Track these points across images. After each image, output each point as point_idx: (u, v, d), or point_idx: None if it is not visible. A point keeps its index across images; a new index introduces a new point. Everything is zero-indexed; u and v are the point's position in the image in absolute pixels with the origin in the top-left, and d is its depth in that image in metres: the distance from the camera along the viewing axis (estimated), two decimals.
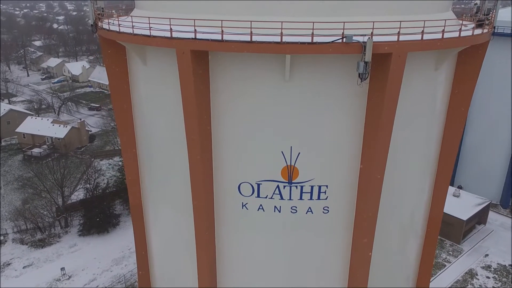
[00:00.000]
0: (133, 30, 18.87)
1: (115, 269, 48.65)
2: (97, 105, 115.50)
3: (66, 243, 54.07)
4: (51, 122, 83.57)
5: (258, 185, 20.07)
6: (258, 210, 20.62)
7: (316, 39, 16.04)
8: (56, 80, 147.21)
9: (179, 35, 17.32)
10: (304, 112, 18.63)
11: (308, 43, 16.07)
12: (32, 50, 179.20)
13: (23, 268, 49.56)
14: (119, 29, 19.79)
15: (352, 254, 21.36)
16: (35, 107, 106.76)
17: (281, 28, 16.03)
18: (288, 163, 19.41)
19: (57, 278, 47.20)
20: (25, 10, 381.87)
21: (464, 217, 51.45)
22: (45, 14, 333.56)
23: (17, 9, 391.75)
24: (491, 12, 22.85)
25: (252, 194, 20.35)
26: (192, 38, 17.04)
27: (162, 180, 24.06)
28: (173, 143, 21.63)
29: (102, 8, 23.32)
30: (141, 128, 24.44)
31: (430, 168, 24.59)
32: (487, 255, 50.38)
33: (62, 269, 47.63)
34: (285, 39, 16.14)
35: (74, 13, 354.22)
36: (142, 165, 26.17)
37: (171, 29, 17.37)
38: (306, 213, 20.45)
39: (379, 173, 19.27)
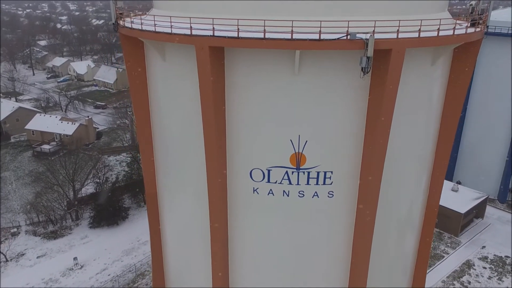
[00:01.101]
0: (155, 28, 20.65)
1: (126, 259, 50.50)
2: (103, 104, 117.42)
3: (77, 235, 56.00)
4: (60, 120, 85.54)
5: (269, 171, 21.59)
6: (268, 194, 22.15)
7: (323, 36, 17.74)
8: (61, 79, 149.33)
9: (197, 32, 19.05)
10: (311, 103, 20.20)
11: (316, 40, 17.71)
12: (37, 49, 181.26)
13: (37, 258, 51.48)
14: (142, 27, 21.56)
15: (355, 235, 23.00)
16: (42, 105, 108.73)
17: (292, 26, 17.73)
18: (296, 151, 20.92)
19: (70, 267, 49.08)
20: (27, 10, 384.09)
21: (462, 210, 53.15)
22: (48, 14, 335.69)
23: (20, 9, 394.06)
24: (484, 12, 24.32)
25: (262, 180, 21.91)
26: (210, 36, 18.75)
27: (178, 169, 25.60)
28: (188, 133, 23.27)
29: (122, 8, 25.08)
30: (157, 119, 26.04)
31: (427, 160, 25.96)
32: (484, 247, 52.14)
33: (75, 258, 49.52)
34: (295, 36, 17.81)
35: (77, 13, 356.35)
36: (157, 155, 27.77)
37: (191, 27, 19.04)
38: (313, 197, 21.95)
39: (380, 160, 20.90)
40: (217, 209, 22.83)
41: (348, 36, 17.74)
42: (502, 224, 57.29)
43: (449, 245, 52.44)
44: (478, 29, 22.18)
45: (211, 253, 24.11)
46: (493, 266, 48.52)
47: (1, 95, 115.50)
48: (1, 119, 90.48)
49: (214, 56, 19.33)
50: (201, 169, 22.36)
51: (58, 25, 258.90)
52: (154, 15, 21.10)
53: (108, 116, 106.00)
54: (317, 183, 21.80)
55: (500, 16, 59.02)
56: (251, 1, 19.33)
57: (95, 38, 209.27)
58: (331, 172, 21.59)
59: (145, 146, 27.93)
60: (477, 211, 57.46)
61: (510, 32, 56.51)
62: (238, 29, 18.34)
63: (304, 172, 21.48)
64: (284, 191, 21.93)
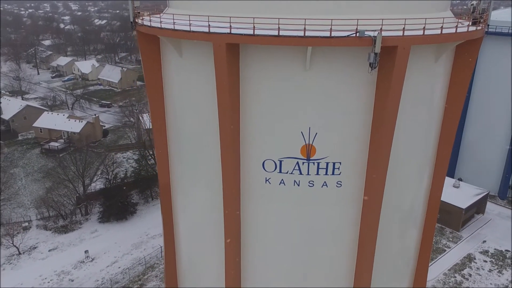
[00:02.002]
0: (174, 26, 21.84)
1: (135, 252, 51.84)
2: (108, 102, 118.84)
3: (87, 229, 57.39)
4: (67, 117, 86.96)
5: (280, 161, 22.66)
6: (279, 184, 23.20)
7: (333, 34, 18.92)
8: (66, 78, 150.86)
9: (214, 30, 20.25)
10: (321, 97, 21.32)
11: (327, 37, 18.94)
12: (42, 49, 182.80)
13: (49, 251, 52.86)
14: (161, 25, 22.77)
15: (361, 224, 24.13)
16: (49, 103, 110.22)
17: (304, 25, 18.98)
18: (307, 142, 22.00)
19: (81, 260, 50.41)
20: (30, 10, 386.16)
21: (463, 205, 54.33)
22: (50, 14, 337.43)
23: (22, 9, 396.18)
24: (485, 12, 25.46)
25: (274, 170, 22.99)
26: (227, 33, 19.95)
27: (192, 161, 26.60)
28: (203, 126, 24.45)
29: (137, 7, 26.28)
30: (172, 113, 26.98)
31: (430, 156, 27.01)
32: (484, 241, 53.37)
33: (86, 251, 50.83)
34: (307, 33, 18.99)
35: (79, 13, 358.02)
36: (171, 148, 28.83)
37: (209, 25, 20.30)
38: (322, 186, 23.01)
39: (386, 151, 22.04)
40: (231, 198, 23.85)
41: (357, 34, 18.92)
42: (502, 220, 58.53)
43: (451, 239, 53.68)
44: (479, 27, 23.35)
45: (224, 242, 25.04)
46: (493, 260, 49.77)
47: (8, 93, 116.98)
48: (9, 117, 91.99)
49: (230, 53, 20.45)
50: (215, 160, 23.49)
51: (61, 25, 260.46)
52: (172, 14, 22.25)
53: (113, 115, 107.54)
54: (326, 173, 22.82)
55: (500, 16, 60.19)
56: (265, 1, 20.47)
57: (98, 38, 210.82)
58: (340, 163, 22.64)
59: (159, 138, 28.94)
60: (478, 207, 58.68)
61: (510, 31, 57.63)
62: (254, 27, 19.51)
63: (314, 163, 22.53)
64: (295, 180, 22.98)
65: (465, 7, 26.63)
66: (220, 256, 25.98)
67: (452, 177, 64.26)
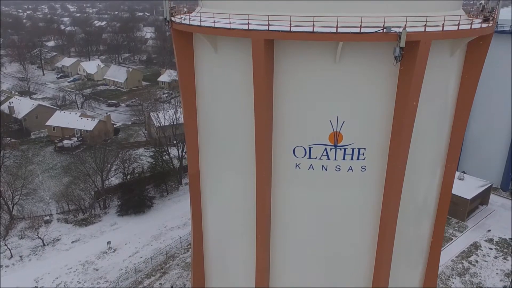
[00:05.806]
0: (214, 24, 23.82)
1: (155, 243, 53.78)
2: (115, 102, 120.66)
3: (107, 222, 59.30)
4: (79, 116, 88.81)
5: (310, 148, 24.49)
6: (308, 169, 25.05)
7: (363, 30, 21.00)
8: (71, 78, 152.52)
9: (252, 27, 22.21)
10: (349, 87, 23.21)
11: (358, 33, 20.99)
12: (46, 50, 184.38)
13: (72, 242, 54.76)
14: (200, 23, 24.74)
15: (384, 203, 26.09)
16: (58, 103, 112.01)
17: (337, 22, 21.02)
18: (335, 130, 23.83)
19: (103, 251, 52.34)
20: (28, 12, 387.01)
21: (468, 196, 56.51)
22: (49, 16, 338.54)
23: (20, 10, 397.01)
24: (494, 10, 27.57)
25: (304, 156, 24.81)
26: (266, 30, 21.97)
27: (225, 150, 28.31)
28: (236, 117, 26.34)
29: (173, 7, 28.26)
30: (204, 105, 28.73)
31: (442, 148, 28.93)
32: (489, 230, 55.58)
33: (108, 242, 52.74)
34: (339, 30, 21.11)
35: (78, 14, 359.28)
36: (202, 138, 30.57)
37: (248, 23, 22.29)
38: (348, 171, 24.84)
39: (406, 138, 23.91)
40: (263, 183, 25.50)
41: (384, 30, 21.01)
42: (505, 210, 60.74)
43: (457, 229, 55.89)
44: (490, 25, 25.47)
45: (256, 225, 26.78)
46: (498, 247, 51.99)
47: (17, 93, 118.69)
48: (22, 116, 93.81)
49: (267, 48, 22.33)
50: (247, 148, 25.34)
51: (62, 26, 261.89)
52: (213, 13, 24.13)
53: (121, 114, 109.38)
54: (351, 159, 24.63)
55: (501, 15, 62.17)
56: (302, 1, 22.50)
57: (100, 39, 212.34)
58: (364, 149, 24.48)
59: (190, 130, 30.68)
60: (482, 198, 60.83)
61: (510, 30, 59.72)
62: (291, 24, 21.52)
63: (341, 149, 24.36)
64: (323, 165, 24.82)
65: (468, 6, 28.75)
66: (249, 242, 27.74)
67: (456, 170, 66.20)
